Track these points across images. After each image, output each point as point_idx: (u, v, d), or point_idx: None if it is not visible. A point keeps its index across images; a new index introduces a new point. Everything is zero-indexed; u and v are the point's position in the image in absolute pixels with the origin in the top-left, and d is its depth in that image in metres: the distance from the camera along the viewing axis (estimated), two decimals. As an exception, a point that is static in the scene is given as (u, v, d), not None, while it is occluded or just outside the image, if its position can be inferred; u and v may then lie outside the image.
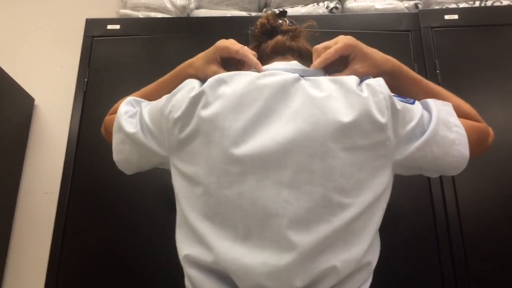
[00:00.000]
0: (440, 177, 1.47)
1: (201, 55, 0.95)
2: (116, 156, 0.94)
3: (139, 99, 0.98)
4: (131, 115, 0.92)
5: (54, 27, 2.27)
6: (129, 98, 0.97)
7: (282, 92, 0.79)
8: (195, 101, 0.80)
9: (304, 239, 0.71)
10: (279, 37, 0.98)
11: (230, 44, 0.91)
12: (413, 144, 0.79)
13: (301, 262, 0.71)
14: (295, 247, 0.71)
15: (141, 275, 1.44)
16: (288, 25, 1.01)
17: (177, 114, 0.80)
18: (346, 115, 0.75)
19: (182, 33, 1.77)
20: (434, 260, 1.40)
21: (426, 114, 0.83)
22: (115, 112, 0.95)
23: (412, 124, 0.80)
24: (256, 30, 1.01)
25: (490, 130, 0.94)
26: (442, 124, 0.82)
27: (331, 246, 0.73)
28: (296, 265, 0.71)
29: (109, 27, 1.77)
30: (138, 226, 1.47)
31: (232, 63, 0.95)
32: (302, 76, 0.83)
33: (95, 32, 1.77)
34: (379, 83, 0.79)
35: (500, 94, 1.57)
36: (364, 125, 0.75)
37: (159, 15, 1.98)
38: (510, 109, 1.55)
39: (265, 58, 0.97)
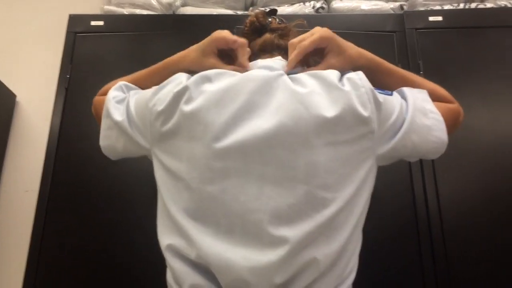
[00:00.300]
0: (422, 176, 1.49)
1: (194, 47, 0.93)
2: (102, 142, 0.93)
3: (130, 84, 0.97)
4: (119, 100, 0.91)
5: (37, 23, 2.24)
6: (120, 83, 0.96)
7: (265, 86, 0.79)
8: (178, 96, 0.79)
9: (286, 234, 0.71)
10: (267, 35, 0.97)
11: (227, 34, 0.90)
12: (395, 136, 0.80)
13: (283, 258, 0.71)
14: (277, 243, 0.71)
15: (122, 272, 1.42)
16: (278, 23, 1.00)
17: (160, 107, 0.80)
18: (329, 110, 0.75)
19: (167, 31, 1.75)
20: (415, 256, 1.41)
21: (404, 103, 0.84)
22: (105, 93, 0.94)
23: (394, 116, 0.80)
24: (246, 28, 1.01)
25: (461, 109, 0.97)
26: (418, 112, 0.83)
27: (314, 241, 0.73)
28: (278, 260, 0.71)
29: (93, 23, 1.75)
30: (118, 224, 1.46)
31: (225, 56, 0.94)
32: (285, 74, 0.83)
33: (78, 28, 1.74)
34: (360, 77, 0.80)
35: (483, 96, 1.58)
36: (347, 119, 0.75)
37: (144, 12, 1.97)
38: (493, 110, 1.57)
39: (252, 56, 0.96)
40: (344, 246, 0.76)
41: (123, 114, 0.87)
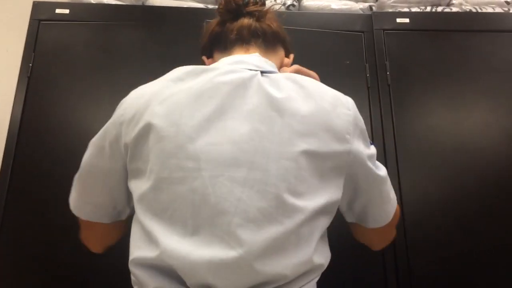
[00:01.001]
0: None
1: None
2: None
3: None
4: None
5: (0, 9, 2.16)
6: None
7: (240, 89, 0.79)
8: (149, 100, 0.79)
9: (254, 238, 0.70)
10: (244, 20, 0.95)
11: None
12: (370, 171, 0.84)
13: (249, 262, 0.70)
14: (243, 245, 0.70)
15: (84, 271, 1.39)
16: (253, 4, 0.97)
17: (130, 114, 0.79)
18: (303, 118, 0.76)
19: (135, 22, 1.72)
20: (377, 263, 1.43)
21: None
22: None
23: (372, 151, 0.85)
24: (221, 7, 0.98)
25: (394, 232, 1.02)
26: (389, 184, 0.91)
27: (281, 248, 0.72)
28: (244, 264, 0.70)
29: (58, 11, 1.70)
30: (81, 219, 1.42)
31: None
32: (261, 72, 0.83)
33: (42, 16, 1.69)
34: (347, 100, 0.84)
35: (447, 98, 1.62)
36: (322, 132, 0.77)
37: (112, 1, 1.92)
38: (456, 113, 1.60)
39: (227, 43, 0.95)
40: (314, 257, 0.76)
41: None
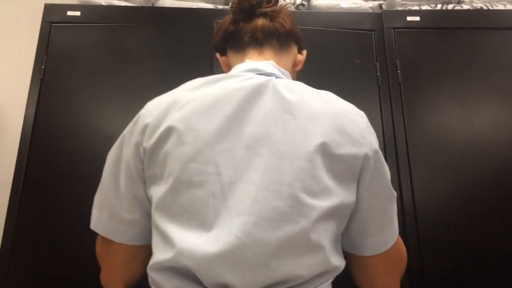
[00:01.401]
0: (398, 174, 1.51)
1: None
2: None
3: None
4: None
5: (12, 12, 2.18)
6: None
7: (255, 94, 0.80)
8: (168, 108, 0.80)
9: (269, 236, 0.71)
10: (258, 22, 0.95)
11: None
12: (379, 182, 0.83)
13: (264, 260, 0.71)
14: (259, 244, 0.71)
15: (95, 270, 1.40)
16: (266, 3, 0.96)
17: (150, 121, 0.80)
18: (317, 121, 0.78)
19: (145, 23, 1.73)
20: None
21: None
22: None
23: (387, 171, 0.85)
24: (233, 5, 0.97)
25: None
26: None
27: (296, 248, 0.73)
28: (259, 262, 0.71)
29: (69, 13, 1.71)
30: (94, 219, 1.44)
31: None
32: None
33: (54, 18, 1.70)
34: (359, 110, 0.85)
35: (459, 96, 1.61)
36: (337, 134, 0.78)
37: (123, 3, 1.94)
38: (468, 111, 1.59)
39: (241, 44, 0.96)
40: (330, 258, 0.77)
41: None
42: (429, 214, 1.47)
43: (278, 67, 0.92)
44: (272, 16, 0.96)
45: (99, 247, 0.93)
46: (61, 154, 1.52)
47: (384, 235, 0.86)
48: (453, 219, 1.47)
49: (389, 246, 0.86)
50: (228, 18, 1.00)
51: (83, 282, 1.42)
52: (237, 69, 0.90)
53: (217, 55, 1.04)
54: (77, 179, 1.49)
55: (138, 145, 0.80)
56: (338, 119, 0.80)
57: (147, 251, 0.83)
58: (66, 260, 1.42)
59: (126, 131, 0.85)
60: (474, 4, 1.97)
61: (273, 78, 0.84)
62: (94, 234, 0.93)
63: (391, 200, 0.86)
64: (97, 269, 0.95)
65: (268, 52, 0.95)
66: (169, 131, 0.77)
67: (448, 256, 1.43)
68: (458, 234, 1.45)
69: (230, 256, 0.71)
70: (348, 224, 0.84)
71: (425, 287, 1.40)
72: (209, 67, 1.58)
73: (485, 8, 1.95)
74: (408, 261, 1.39)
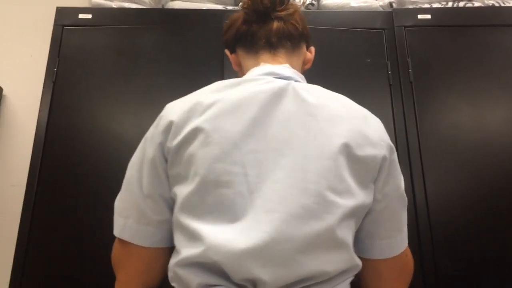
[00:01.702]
0: (411, 174, 1.50)
1: None
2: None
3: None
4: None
5: (24, 15, 2.20)
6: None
7: (277, 97, 0.82)
8: (192, 108, 0.81)
9: (297, 232, 0.72)
10: (273, 25, 0.94)
11: None
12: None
13: (293, 256, 0.72)
14: (288, 240, 0.72)
15: (108, 271, 1.41)
16: (280, 6, 0.95)
17: (175, 119, 0.80)
18: (337, 123, 0.80)
19: (155, 25, 1.74)
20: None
21: None
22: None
23: (400, 175, 0.87)
24: (245, 6, 0.96)
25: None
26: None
27: (323, 244, 0.74)
28: (287, 258, 0.72)
29: (81, 16, 1.73)
30: (107, 221, 1.44)
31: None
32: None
33: (65, 21, 1.72)
34: (374, 116, 0.88)
35: (470, 94, 1.60)
36: (357, 135, 0.80)
37: (133, 5, 1.95)
38: (478, 109, 1.58)
39: (254, 46, 0.96)
40: (353, 255, 0.79)
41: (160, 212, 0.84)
42: (442, 214, 1.46)
43: (294, 70, 0.93)
44: (286, 20, 0.95)
45: (117, 252, 0.91)
46: (74, 155, 1.53)
47: (393, 239, 0.87)
48: (466, 219, 1.46)
49: (396, 253, 0.88)
50: (239, 16, 0.99)
51: (96, 283, 1.43)
52: (255, 72, 0.90)
53: (227, 51, 1.05)
54: (90, 180, 1.50)
55: (162, 144, 0.81)
56: (357, 122, 0.82)
57: (169, 254, 0.84)
58: (79, 261, 1.44)
59: (147, 134, 0.86)
60: (486, 1, 1.95)
61: (292, 81, 0.86)
62: (107, 235, 0.94)
63: (402, 204, 0.88)
64: (111, 270, 0.96)
65: (281, 55, 0.95)
66: (196, 132, 0.78)
67: (462, 256, 1.42)
68: (472, 234, 1.44)
69: (260, 251, 0.71)
70: (359, 225, 0.85)
71: None
72: (219, 68, 1.58)
73: (496, 5, 1.93)
74: (421, 262, 1.40)
